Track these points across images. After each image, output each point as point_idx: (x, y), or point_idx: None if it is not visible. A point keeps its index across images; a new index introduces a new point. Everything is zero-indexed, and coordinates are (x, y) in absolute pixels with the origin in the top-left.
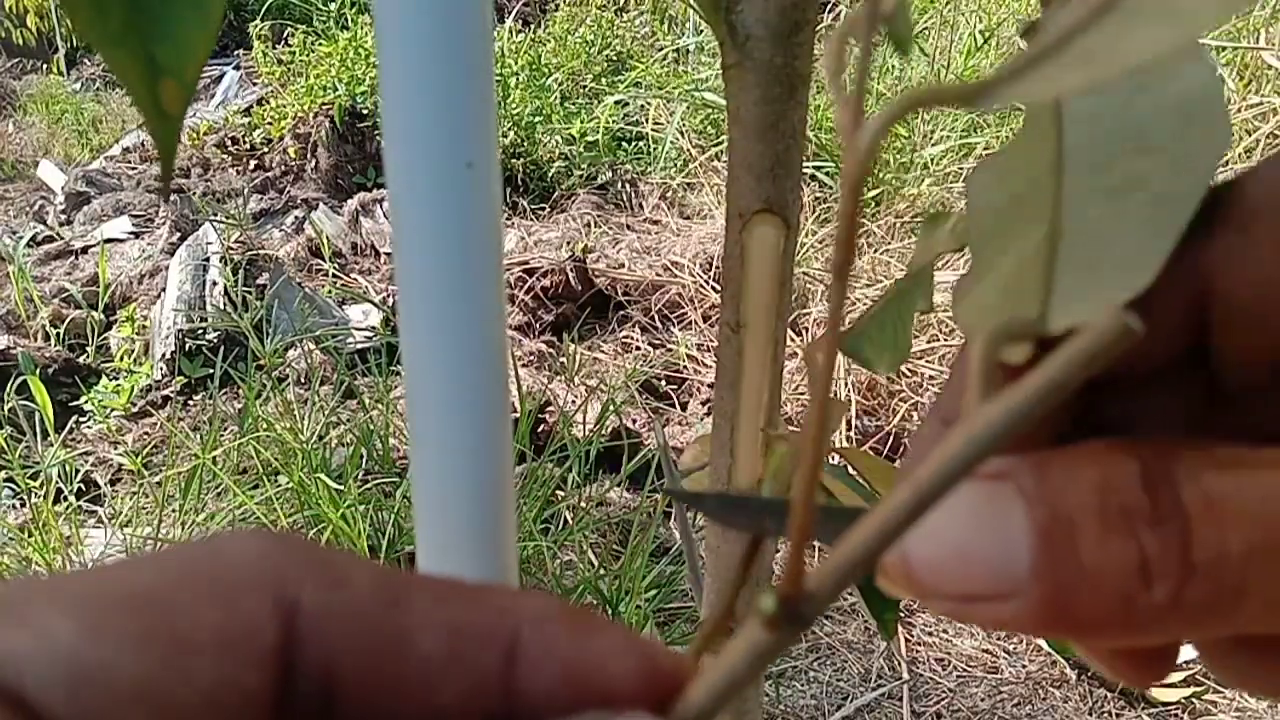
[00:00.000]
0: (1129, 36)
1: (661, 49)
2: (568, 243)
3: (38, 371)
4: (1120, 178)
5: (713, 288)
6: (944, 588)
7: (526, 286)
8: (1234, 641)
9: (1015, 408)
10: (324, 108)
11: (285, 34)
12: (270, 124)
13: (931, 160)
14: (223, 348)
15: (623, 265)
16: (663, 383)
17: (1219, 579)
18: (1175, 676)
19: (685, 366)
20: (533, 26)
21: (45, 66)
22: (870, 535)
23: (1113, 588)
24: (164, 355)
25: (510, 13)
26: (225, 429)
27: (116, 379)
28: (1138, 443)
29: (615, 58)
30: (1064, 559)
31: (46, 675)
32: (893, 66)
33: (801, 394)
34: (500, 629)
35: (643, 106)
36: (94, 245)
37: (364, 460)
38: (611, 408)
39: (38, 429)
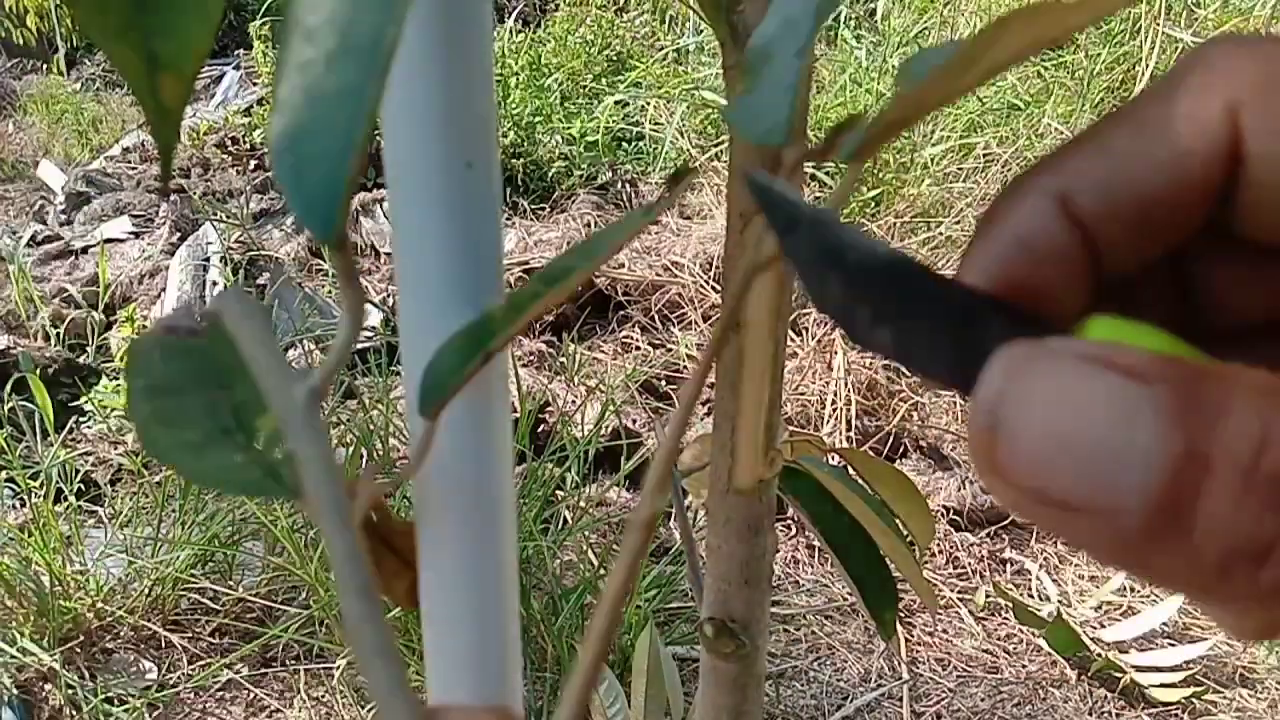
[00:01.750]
0: None
1: (661, 49)
2: (568, 243)
3: (38, 371)
4: None
5: (713, 288)
6: (1031, 478)
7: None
8: None
9: None
10: None
11: None
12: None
13: (931, 160)
14: None
15: (623, 265)
16: (663, 383)
17: None
18: (1175, 676)
19: (685, 366)
20: (533, 26)
21: (45, 66)
22: None
23: (1220, 550)
24: None
25: (510, 13)
26: None
27: (117, 379)
28: None
29: (615, 58)
30: (1183, 502)
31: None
32: (893, 67)
33: (802, 394)
34: None
35: (643, 106)
36: (94, 245)
37: (364, 460)
38: (611, 408)
39: (38, 429)
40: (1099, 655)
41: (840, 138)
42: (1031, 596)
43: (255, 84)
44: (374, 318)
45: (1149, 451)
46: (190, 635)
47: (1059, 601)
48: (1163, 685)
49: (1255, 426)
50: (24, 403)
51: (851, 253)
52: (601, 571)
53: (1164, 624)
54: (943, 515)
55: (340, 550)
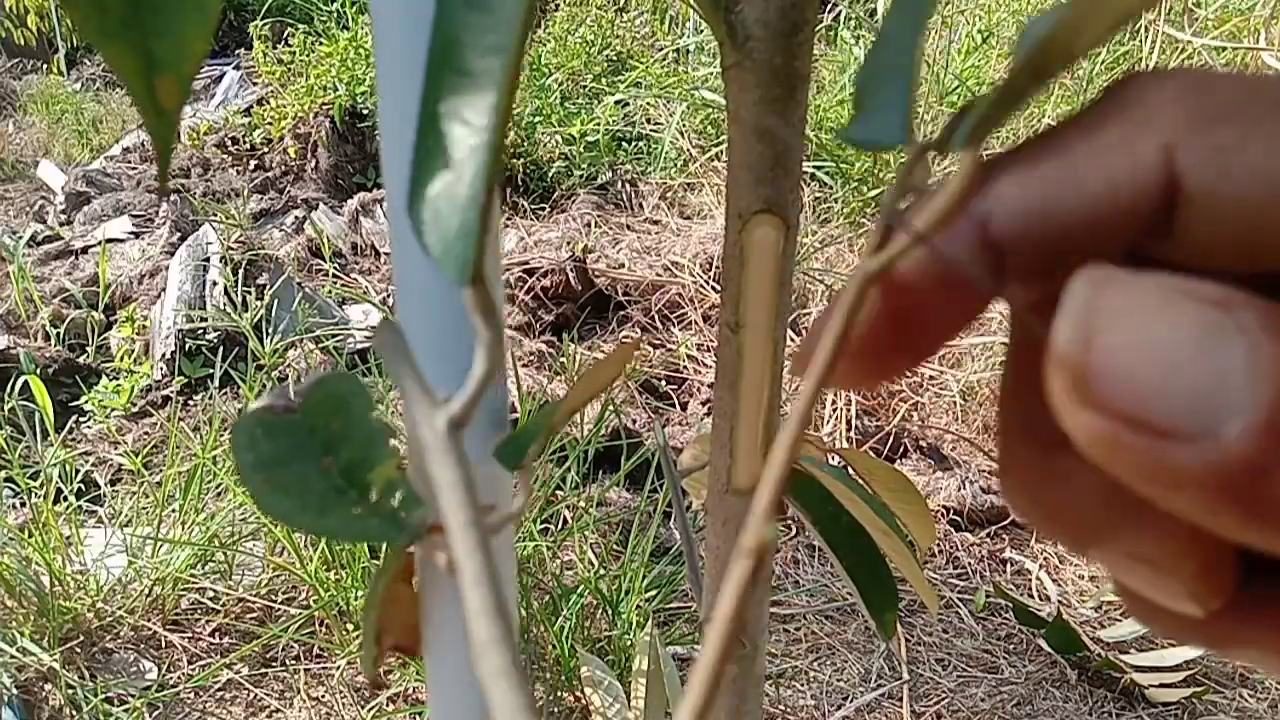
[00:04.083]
0: None
1: (661, 49)
2: (568, 243)
3: (38, 371)
4: None
5: (713, 288)
6: (1129, 400)
7: (526, 286)
8: None
9: None
10: (324, 108)
11: (285, 34)
12: (270, 124)
13: (931, 160)
14: (223, 348)
15: (623, 265)
16: (663, 383)
17: None
18: (1175, 676)
19: (685, 366)
20: (533, 26)
21: (45, 66)
22: None
23: None
24: (164, 355)
25: None
26: (225, 429)
27: (116, 379)
28: None
29: (615, 58)
30: None
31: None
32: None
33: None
34: None
35: (643, 106)
36: (94, 245)
37: None
38: (611, 408)
39: (38, 429)
40: (1099, 655)
41: (956, 125)
42: (1031, 596)
43: (255, 84)
44: (374, 318)
45: (1250, 368)
46: (190, 635)
47: (1059, 601)
48: (1163, 685)
49: None
50: (24, 403)
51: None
52: (601, 572)
53: None
54: (943, 515)
55: (471, 572)
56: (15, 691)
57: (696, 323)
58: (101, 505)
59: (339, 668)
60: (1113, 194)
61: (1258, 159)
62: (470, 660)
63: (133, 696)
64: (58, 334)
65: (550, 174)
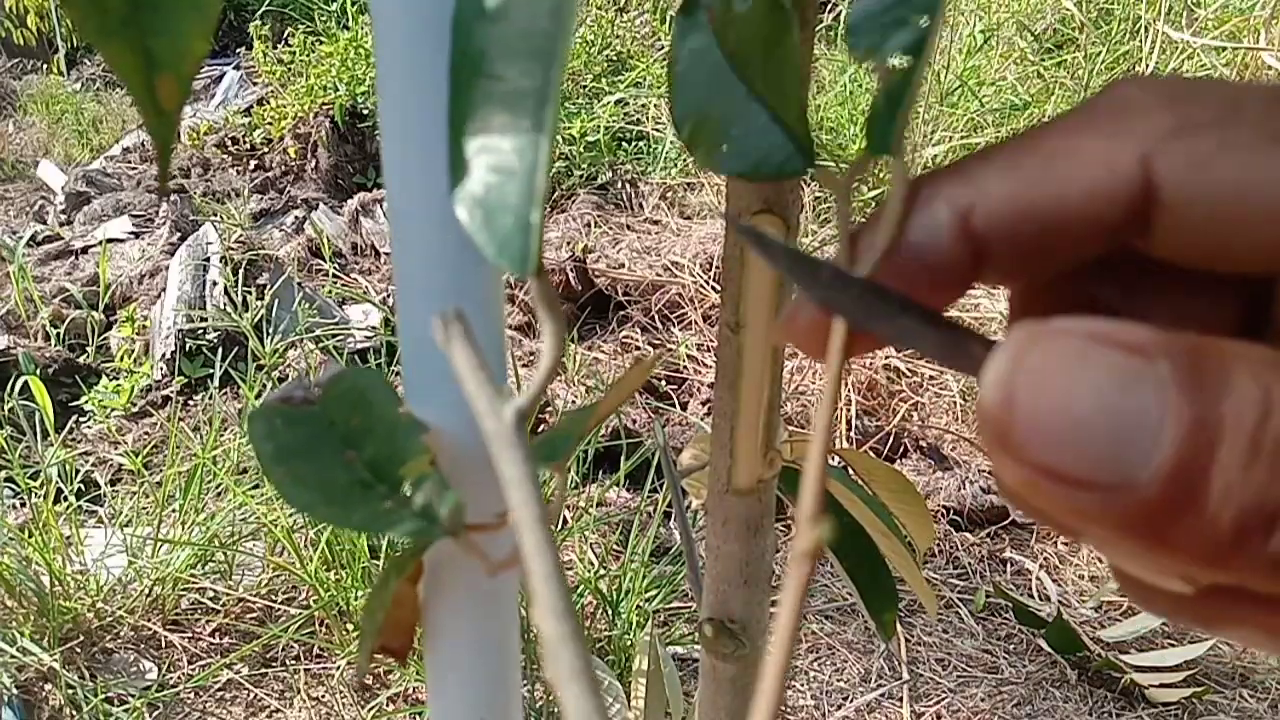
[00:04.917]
0: None
1: (661, 49)
2: (568, 243)
3: (38, 371)
4: None
5: (713, 288)
6: (1045, 454)
7: (526, 286)
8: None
9: None
10: (324, 108)
11: (286, 34)
12: (270, 124)
13: (933, 160)
14: (222, 348)
15: (623, 265)
16: (663, 383)
17: None
18: (1175, 676)
19: (685, 366)
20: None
21: (45, 66)
22: None
23: (1234, 517)
24: (164, 355)
25: None
26: (225, 429)
27: (116, 379)
28: None
29: (615, 58)
30: (1196, 470)
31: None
32: (892, 67)
33: (802, 394)
34: None
35: (643, 106)
36: (94, 245)
37: None
38: None
39: (38, 429)
40: (1099, 655)
41: (872, 134)
42: (1031, 596)
43: (255, 84)
44: (374, 317)
45: (1160, 422)
46: (190, 635)
47: (1059, 601)
48: (1163, 685)
49: (1258, 394)
50: (24, 403)
51: (824, 270)
52: (601, 572)
53: (1164, 624)
54: (943, 515)
55: (540, 570)
56: (15, 691)
57: (696, 323)
58: (101, 505)
59: (339, 668)
60: (1091, 200)
61: (1231, 171)
62: (545, 661)
63: (133, 696)
64: (58, 334)
65: (550, 174)
